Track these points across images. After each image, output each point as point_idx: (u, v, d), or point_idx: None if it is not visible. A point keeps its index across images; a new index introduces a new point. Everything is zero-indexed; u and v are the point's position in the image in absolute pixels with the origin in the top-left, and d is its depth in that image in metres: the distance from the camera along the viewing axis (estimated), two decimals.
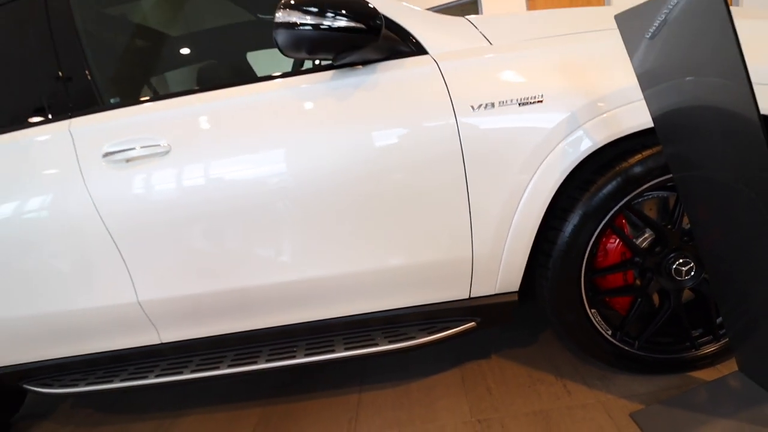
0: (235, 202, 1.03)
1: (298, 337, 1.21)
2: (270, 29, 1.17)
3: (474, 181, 0.98)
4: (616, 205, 0.98)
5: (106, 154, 1.04)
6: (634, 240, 1.06)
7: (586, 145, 0.93)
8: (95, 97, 1.11)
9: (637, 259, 1.05)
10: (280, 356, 1.17)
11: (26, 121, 1.13)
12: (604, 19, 1.00)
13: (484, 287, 1.11)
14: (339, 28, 0.87)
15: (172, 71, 1.37)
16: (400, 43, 1.00)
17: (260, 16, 1.33)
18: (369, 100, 0.97)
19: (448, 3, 6.14)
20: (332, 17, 0.87)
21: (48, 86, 1.12)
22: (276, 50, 0.94)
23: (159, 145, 1.02)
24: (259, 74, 1.10)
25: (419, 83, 0.96)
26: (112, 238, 1.09)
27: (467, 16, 1.06)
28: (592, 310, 1.07)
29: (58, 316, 1.18)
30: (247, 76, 1.08)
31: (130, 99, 1.12)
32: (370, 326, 1.18)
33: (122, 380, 1.23)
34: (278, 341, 1.22)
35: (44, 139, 1.09)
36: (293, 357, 1.16)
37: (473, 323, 1.15)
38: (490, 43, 0.99)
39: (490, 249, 1.05)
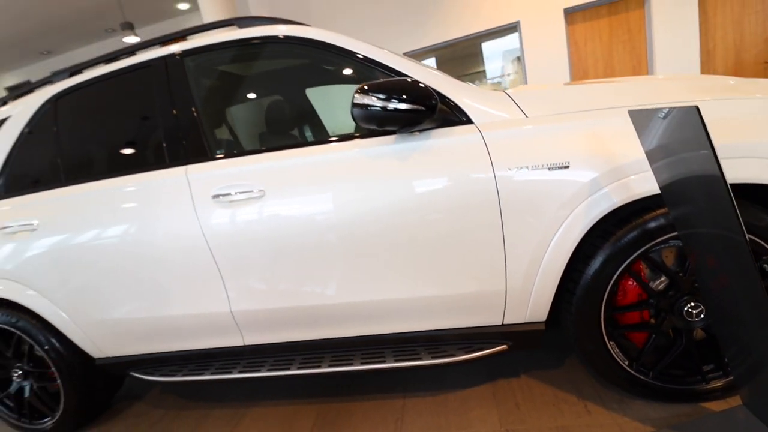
0: (313, 237, 1.28)
1: (355, 347, 1.44)
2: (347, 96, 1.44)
3: (509, 226, 1.19)
4: (633, 253, 1.14)
5: (215, 196, 1.33)
6: (650, 283, 1.22)
7: (606, 204, 1.11)
8: (205, 149, 1.41)
9: (651, 300, 1.20)
10: (340, 362, 1.41)
11: (153, 165, 1.44)
12: (622, 94, 1.17)
13: (515, 316, 1.30)
14: (402, 110, 1.11)
15: (264, 128, 1.66)
16: (451, 114, 1.23)
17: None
18: (424, 159, 1.20)
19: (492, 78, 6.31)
20: (396, 101, 1.11)
21: (169, 138, 1.44)
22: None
23: (255, 191, 1.30)
24: (332, 122, 1.36)
25: (466, 147, 1.18)
26: (214, 260, 1.38)
27: (506, 90, 1.27)
28: (611, 343, 1.24)
29: (168, 319, 1.48)
30: (324, 134, 1.34)
31: (233, 151, 1.41)
32: (416, 342, 1.40)
33: (211, 373, 1.52)
34: (339, 349, 1.46)
35: (168, 180, 1.40)
36: (351, 364, 1.39)
37: (505, 346, 1.34)
38: (526, 116, 1.19)
39: (521, 284, 1.24)
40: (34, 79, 9.99)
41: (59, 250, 1.50)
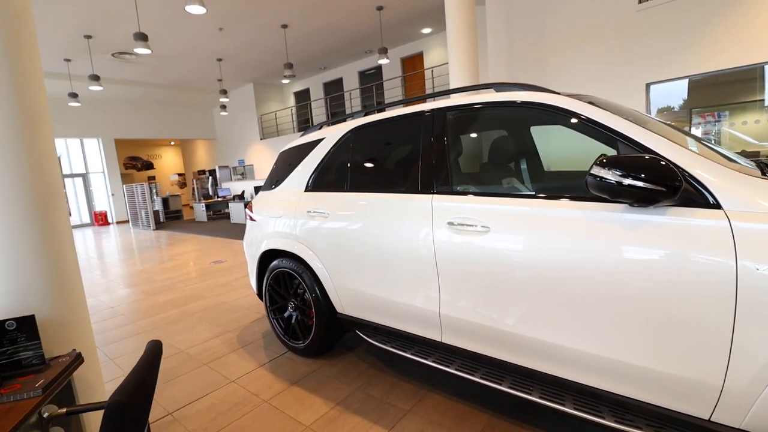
0: (520, 275, 1.51)
1: (537, 380, 1.60)
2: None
3: (743, 323, 1.12)
4: None
5: (449, 223, 1.71)
6: None
7: None
8: (449, 184, 1.80)
9: None
10: (519, 387, 1.59)
11: (410, 190, 1.94)
12: None
13: (728, 417, 1.20)
14: (638, 187, 1.20)
15: (496, 177, 1.97)
16: (694, 194, 1.23)
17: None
18: (654, 233, 1.25)
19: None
20: (634, 177, 1.20)
21: (425, 172, 1.90)
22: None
23: (479, 226, 1.61)
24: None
25: (705, 232, 1.17)
26: (437, 270, 1.77)
27: None
28: None
29: (393, 302, 1.98)
30: (551, 190, 1.52)
31: (470, 190, 1.76)
32: (601, 400, 1.45)
33: (412, 354, 1.94)
34: (521, 376, 1.65)
35: (418, 203, 1.86)
36: (528, 393, 1.56)
37: None
38: None
39: (745, 387, 1.14)
40: (312, 88, 13.41)
41: (336, 233, 2.18)
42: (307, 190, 2.47)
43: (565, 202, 1.45)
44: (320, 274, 2.31)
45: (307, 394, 2.13)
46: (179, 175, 18.82)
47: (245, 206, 2.87)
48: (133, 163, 17.63)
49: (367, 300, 2.11)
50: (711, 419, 1.25)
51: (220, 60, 10.31)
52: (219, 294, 4.13)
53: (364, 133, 2.24)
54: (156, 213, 11.69)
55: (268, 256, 2.77)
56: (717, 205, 1.19)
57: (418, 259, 1.83)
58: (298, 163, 2.60)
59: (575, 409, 1.46)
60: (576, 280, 1.39)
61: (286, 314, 2.66)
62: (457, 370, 1.76)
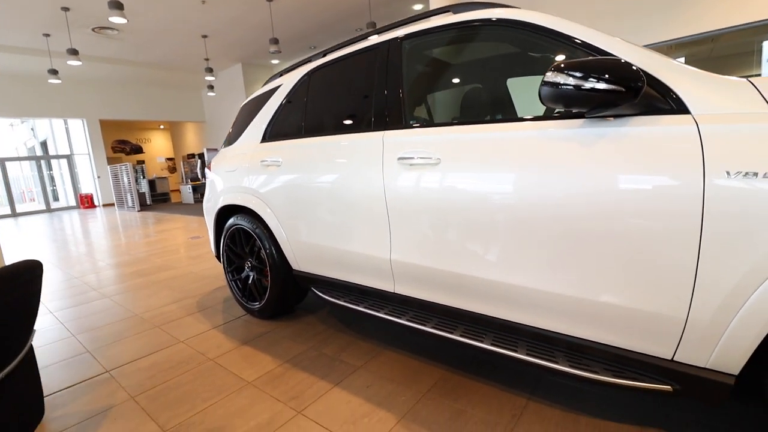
0: (476, 208, 1.35)
1: (488, 328, 1.46)
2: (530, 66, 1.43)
3: (708, 246, 0.97)
4: None
5: (400, 158, 1.55)
6: None
7: None
8: (402, 118, 1.63)
9: None
10: (471, 336, 1.45)
11: (363, 129, 1.77)
12: None
13: (692, 355, 1.06)
14: (597, 89, 1.04)
15: (451, 107, 1.81)
16: (659, 100, 1.07)
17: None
18: (614, 149, 1.10)
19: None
20: (594, 80, 1.04)
21: (378, 108, 1.73)
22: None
23: (433, 158, 1.45)
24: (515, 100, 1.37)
25: (672, 141, 1.02)
26: (387, 212, 1.61)
27: (752, 79, 1.01)
28: None
29: (344, 252, 1.82)
30: (506, 112, 1.36)
31: (420, 123, 1.59)
32: (556, 345, 1.31)
33: (364, 307, 1.79)
34: (472, 324, 1.51)
35: (368, 141, 1.70)
36: (480, 341, 1.42)
37: (669, 387, 1.11)
38: None
39: (710, 318, 1.00)
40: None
41: (289, 183, 2.02)
42: (263, 141, 2.30)
43: (518, 125, 1.29)
44: (274, 229, 2.16)
45: (256, 353, 1.99)
46: (169, 159, 18.53)
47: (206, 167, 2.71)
48: (122, 146, 17.32)
49: (321, 253, 1.96)
50: (674, 359, 1.11)
51: (205, 37, 10.01)
52: (189, 265, 3.98)
53: (320, 75, 2.07)
54: (142, 195, 11.48)
55: (224, 214, 2.61)
56: (684, 110, 1.04)
57: (369, 202, 1.68)
58: (256, 116, 2.42)
59: (528, 355, 1.32)
60: (530, 210, 1.24)
61: (243, 275, 2.50)
62: (408, 321, 1.62)
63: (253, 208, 2.24)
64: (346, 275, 1.90)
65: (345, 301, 1.88)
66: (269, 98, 2.35)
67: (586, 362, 1.25)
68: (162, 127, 18.20)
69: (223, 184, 2.49)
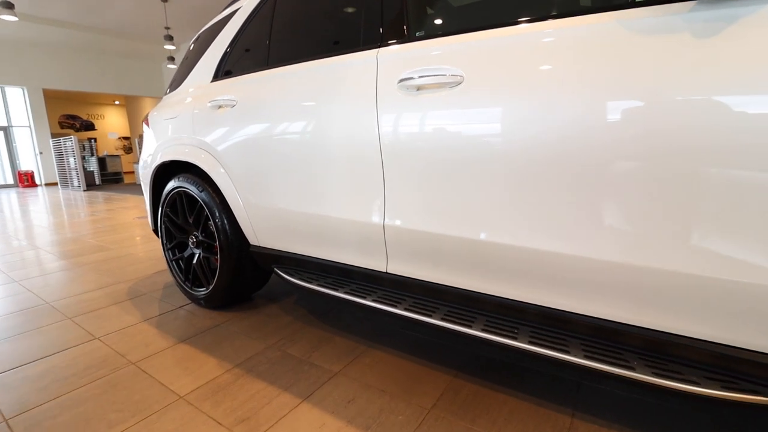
0: (513, 151, 0.92)
1: (526, 320, 1.04)
2: None
3: None
4: None
5: (402, 82, 1.09)
6: None
7: None
8: (403, 27, 1.18)
9: None
10: (499, 331, 1.03)
11: (345, 48, 1.30)
12: None
13: None
14: None
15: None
16: None
17: None
18: (750, 42, 0.69)
19: None
20: None
21: (369, 17, 1.26)
22: None
23: (447, 75, 1.00)
24: None
25: None
26: (381, 160, 1.15)
27: None
28: None
29: (319, 218, 1.35)
30: (561, 5, 0.93)
31: (432, 31, 1.14)
32: (627, 342, 0.90)
33: (344, 293, 1.33)
34: (501, 315, 1.09)
35: (356, 62, 1.23)
36: (513, 338, 1.00)
37: None
38: None
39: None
40: None
41: (245, 128, 1.52)
42: (215, 79, 1.77)
43: (583, 18, 0.87)
44: (227, 192, 1.65)
45: (196, 354, 1.49)
46: (125, 138, 17.12)
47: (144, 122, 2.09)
48: (71, 122, 15.79)
49: (289, 222, 1.48)
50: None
51: (165, 0, 9.05)
52: (128, 246, 3.36)
53: None
54: (90, 174, 10.40)
55: (163, 176, 2.06)
56: None
57: (356, 149, 1.21)
58: (207, 50, 1.88)
59: (587, 358, 0.91)
60: (613, 149, 0.82)
61: (186, 253, 1.98)
62: (406, 310, 1.18)
63: (199, 165, 1.72)
64: (322, 251, 1.43)
65: (319, 285, 1.41)
66: (224, 26, 1.82)
67: (678, 368, 0.85)
68: (117, 102, 16.76)
69: (162, 137, 1.94)
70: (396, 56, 1.13)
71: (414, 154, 1.09)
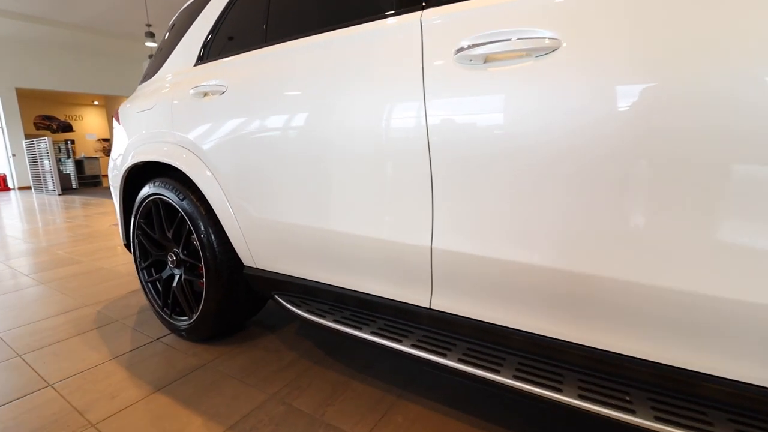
0: (629, 148, 0.63)
1: (638, 381, 0.75)
2: None
3: None
4: None
5: (460, 50, 0.79)
6: None
7: None
8: None
9: None
10: (603, 400, 0.74)
11: (370, 15, 0.99)
12: None
13: None
14: None
15: None
16: None
17: None
18: None
19: None
20: None
21: None
22: None
23: (540, 39, 0.71)
24: None
25: None
26: (429, 161, 0.85)
27: None
28: None
29: (339, 235, 1.04)
30: None
31: None
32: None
33: (371, 333, 1.02)
34: (593, 371, 0.79)
35: (388, 31, 0.92)
36: (631, 412, 0.71)
37: None
38: None
39: None
40: None
41: (239, 120, 1.20)
42: (200, 62, 1.44)
43: None
44: (212, 198, 1.32)
45: (177, 410, 1.16)
46: (104, 140, 16.44)
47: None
48: (47, 123, 15.05)
49: (296, 239, 1.16)
50: None
51: None
52: (100, 258, 2.98)
53: None
54: (66, 177, 9.84)
55: (135, 180, 1.72)
56: None
57: (391, 147, 0.91)
58: (189, 29, 1.55)
59: None
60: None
61: (164, 274, 1.64)
62: (462, 362, 0.88)
63: (180, 167, 1.39)
64: (339, 277, 1.12)
65: (335, 322, 1.10)
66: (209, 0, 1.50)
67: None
68: (96, 103, 16.08)
69: (134, 133, 1.61)
70: (450, 18, 0.83)
71: (479, 153, 0.79)
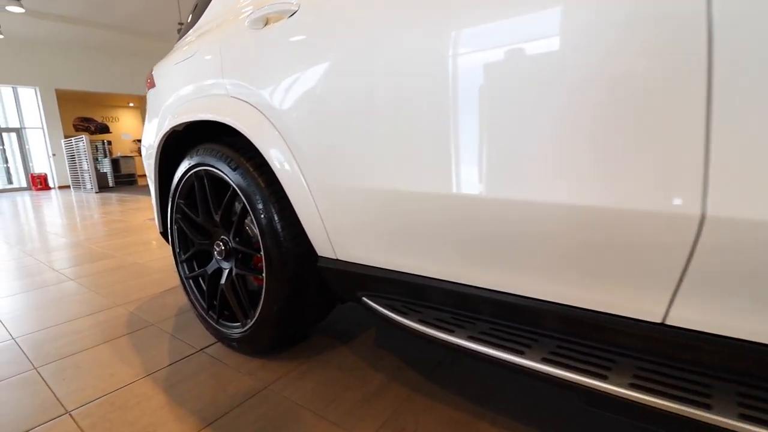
0: None
1: None
2: None
3: None
4: None
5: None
6: None
7: None
8: None
9: None
10: None
11: None
12: None
13: None
14: None
15: None
16: None
17: None
18: None
19: None
20: None
21: None
22: None
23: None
24: None
25: None
26: (709, 80, 0.46)
27: None
28: None
29: (507, 206, 0.66)
30: None
31: None
32: None
33: (542, 360, 0.64)
34: None
35: None
36: None
37: None
38: None
39: None
40: None
41: (323, 54, 0.84)
42: None
43: None
44: (279, 165, 0.97)
45: None
46: (138, 141, 16.77)
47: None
48: (85, 125, 15.50)
49: (413, 215, 0.79)
50: None
51: None
52: (133, 253, 2.73)
53: None
54: (103, 176, 9.96)
55: (174, 151, 1.41)
56: None
57: (631, 48, 0.52)
58: None
59: None
60: None
61: (210, 268, 1.30)
62: (633, 388, 0.48)
63: (234, 126, 1.05)
64: (490, 273, 0.74)
65: (473, 340, 0.72)
66: None
67: None
68: (132, 104, 16.45)
69: (171, 92, 1.29)
70: None
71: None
